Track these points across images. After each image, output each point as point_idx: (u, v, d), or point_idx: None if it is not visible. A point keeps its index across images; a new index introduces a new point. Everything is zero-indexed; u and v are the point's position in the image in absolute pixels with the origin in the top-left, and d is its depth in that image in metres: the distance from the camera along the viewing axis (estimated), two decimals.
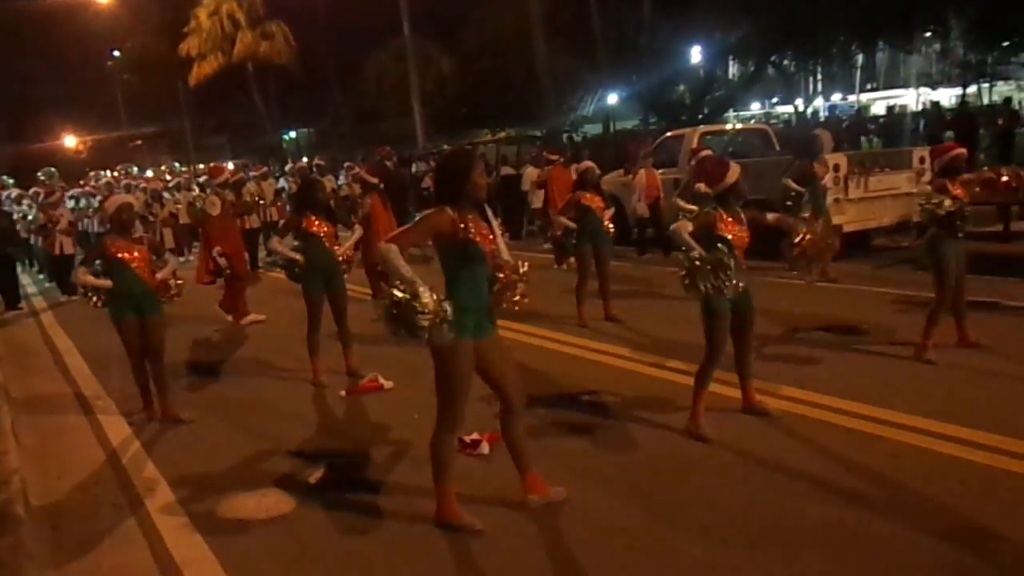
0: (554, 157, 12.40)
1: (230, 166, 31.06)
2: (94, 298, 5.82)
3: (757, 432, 4.81)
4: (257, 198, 13.22)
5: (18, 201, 16.44)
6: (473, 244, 3.69)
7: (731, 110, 32.40)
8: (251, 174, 15.36)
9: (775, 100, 41.78)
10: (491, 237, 3.83)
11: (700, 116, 26.92)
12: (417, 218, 3.78)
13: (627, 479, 4.33)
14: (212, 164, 11.76)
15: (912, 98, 34.52)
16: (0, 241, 12.02)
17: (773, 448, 4.55)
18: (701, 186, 8.54)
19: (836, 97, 40.21)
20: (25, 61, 44.27)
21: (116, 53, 44.58)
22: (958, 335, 6.14)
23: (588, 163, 8.31)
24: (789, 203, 8.70)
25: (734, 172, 4.80)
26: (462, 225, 3.66)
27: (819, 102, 38.77)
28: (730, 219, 4.79)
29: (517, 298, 3.90)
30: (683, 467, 4.43)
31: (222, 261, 9.22)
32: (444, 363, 3.73)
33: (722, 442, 4.67)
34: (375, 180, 9.49)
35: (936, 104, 23.64)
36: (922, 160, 10.44)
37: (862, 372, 5.84)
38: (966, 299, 6.15)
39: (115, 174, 22.86)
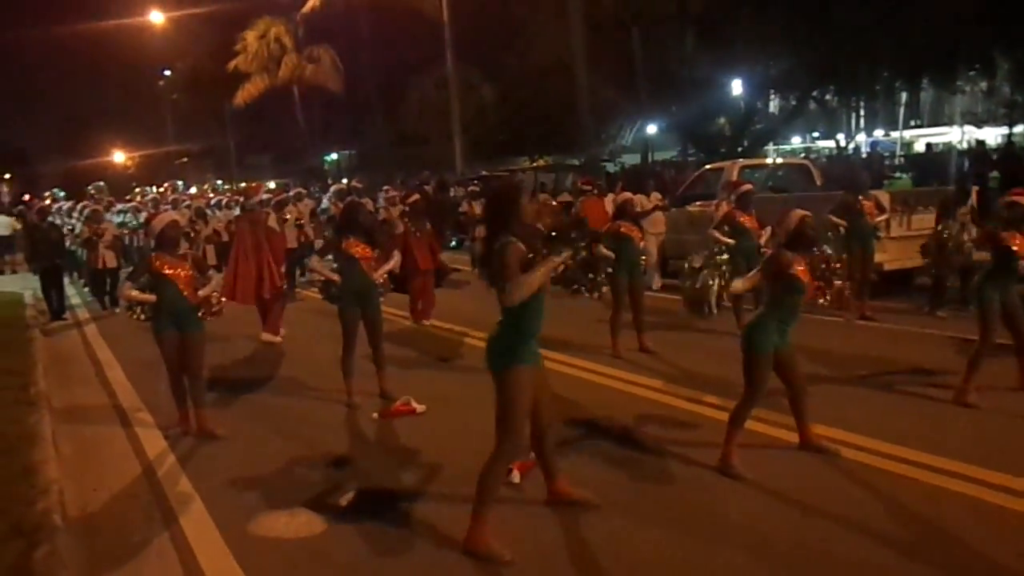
0: (587, 188, 12.45)
1: (271, 185, 31.59)
2: (138, 312, 5.94)
3: (791, 471, 4.73)
4: (296, 219, 13.46)
5: (68, 214, 16.90)
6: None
7: (771, 143, 32.23)
8: (289, 194, 15.63)
9: (816, 134, 41.49)
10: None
11: (740, 149, 26.82)
12: (502, 258, 3.70)
13: (661, 512, 4.28)
14: (248, 184, 12.03)
15: (956, 135, 34.04)
16: (50, 253, 12.33)
17: (808, 488, 4.47)
18: (745, 220, 8.51)
19: (878, 133, 39.81)
20: (79, 79, 45.79)
21: (167, 73, 45.88)
22: (1021, 377, 5.99)
23: (627, 194, 8.34)
24: (831, 234, 8.63)
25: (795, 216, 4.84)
26: (530, 255, 3.73)
27: (861, 137, 38.41)
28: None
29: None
30: (717, 503, 4.37)
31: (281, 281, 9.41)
32: (510, 389, 3.76)
33: (755, 481, 4.60)
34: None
35: (981, 143, 23.25)
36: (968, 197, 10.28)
37: (900, 413, 5.73)
38: None
39: (161, 190, 23.39)
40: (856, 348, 7.69)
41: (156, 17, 36.15)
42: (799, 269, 4.75)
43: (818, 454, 4.93)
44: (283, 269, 9.44)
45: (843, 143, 35.02)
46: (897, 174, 22.73)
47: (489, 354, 3.87)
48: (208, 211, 15.20)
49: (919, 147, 35.27)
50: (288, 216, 12.92)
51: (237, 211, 14.60)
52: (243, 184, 33.84)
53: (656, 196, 11.80)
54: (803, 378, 5.00)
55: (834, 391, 6.29)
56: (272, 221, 9.83)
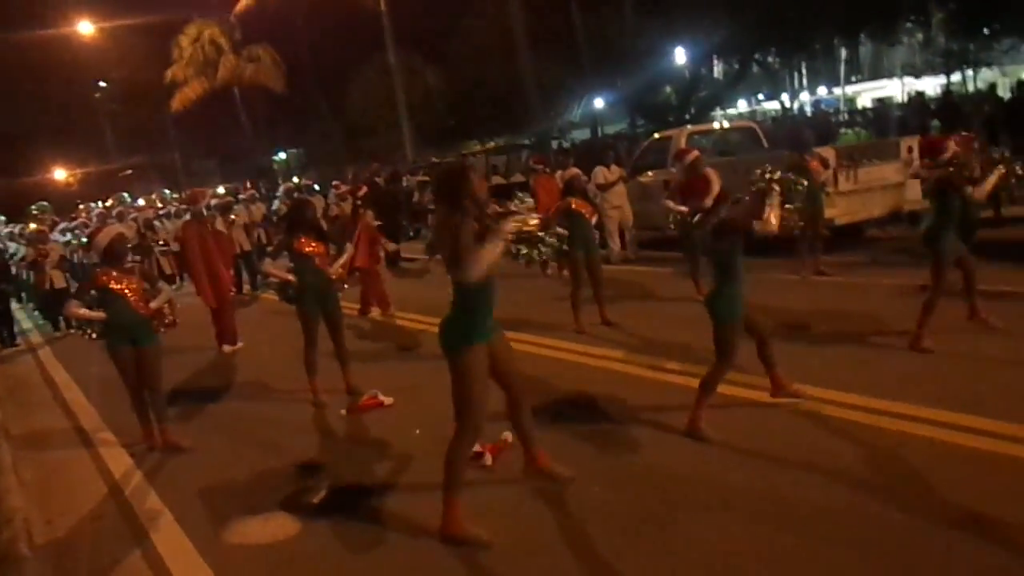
0: (538, 166, 12.46)
1: (221, 190, 31.04)
2: (89, 331, 5.80)
3: (758, 429, 4.80)
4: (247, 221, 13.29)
5: (9, 237, 16.41)
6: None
7: (718, 109, 32.51)
8: (240, 197, 15.41)
9: (761, 97, 41.93)
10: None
11: (687, 116, 27.04)
12: (457, 236, 3.67)
13: (635, 480, 4.33)
14: (190, 191, 11.75)
15: (897, 88, 34.64)
16: None
17: (776, 443, 4.55)
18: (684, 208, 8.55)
19: (821, 91, 40.35)
20: (11, 96, 44.34)
21: (102, 84, 44.68)
22: (969, 310, 6.19)
23: (574, 170, 8.36)
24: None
25: (715, 184, 4.86)
26: (484, 232, 3.73)
27: (804, 96, 38.93)
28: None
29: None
30: (689, 465, 4.42)
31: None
32: (463, 368, 3.77)
33: (724, 441, 4.66)
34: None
35: (920, 94, 23.69)
36: (910, 150, 10.48)
37: (860, 364, 5.84)
38: (976, 277, 6.14)
39: (107, 204, 22.82)
40: (813, 303, 7.81)
41: (85, 27, 35.09)
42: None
43: (788, 403, 5.03)
44: (231, 272, 9.26)
45: (787, 103, 35.46)
46: (843, 130, 23.08)
47: (442, 336, 3.87)
48: (157, 222, 14.90)
49: (863, 102, 35.88)
50: (234, 218, 12.73)
51: (187, 218, 14.36)
52: (193, 190, 33.21)
53: (616, 168, 11.82)
54: (767, 328, 5.08)
55: (795, 347, 6.37)
56: (219, 224, 9.63)
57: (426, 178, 16.07)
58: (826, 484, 4.01)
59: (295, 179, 31.87)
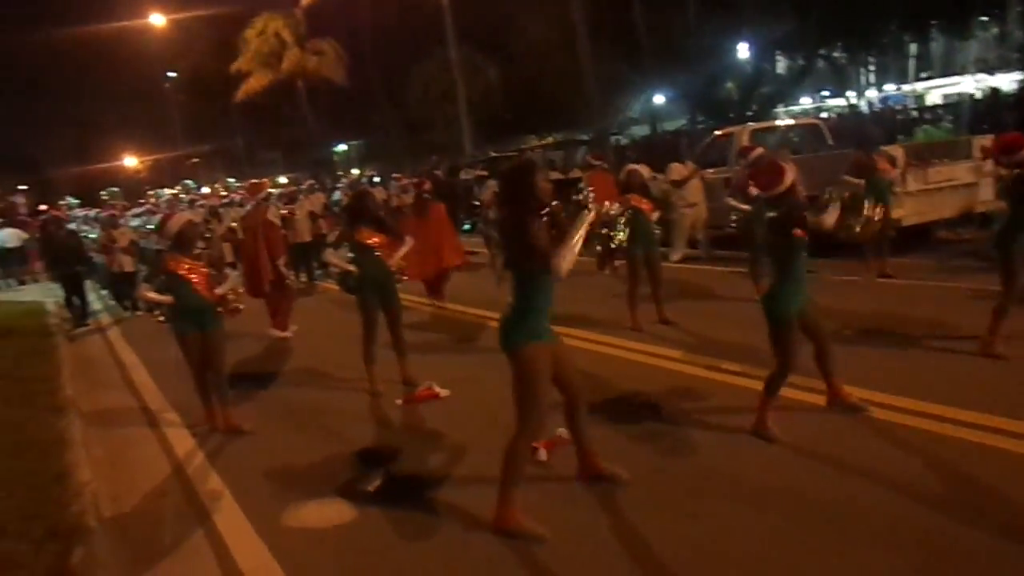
0: (596, 162, 12.37)
1: (283, 180, 31.52)
2: (157, 313, 5.98)
3: (822, 433, 4.70)
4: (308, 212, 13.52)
5: (84, 221, 17.05)
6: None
7: (781, 105, 31.87)
8: (300, 187, 15.69)
9: (826, 93, 40.96)
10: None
11: (749, 113, 26.56)
12: (535, 235, 3.70)
13: (693, 482, 4.27)
14: (251, 181, 11.98)
15: (970, 85, 33.48)
16: (69, 260, 12.44)
17: (840, 448, 4.45)
18: (753, 189, 8.41)
19: (889, 87, 39.22)
20: (86, 86, 46.02)
21: (171, 74, 45.97)
22: None
23: (632, 166, 8.27)
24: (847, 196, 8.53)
25: (789, 175, 4.69)
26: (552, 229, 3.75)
27: (872, 93, 37.88)
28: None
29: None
30: (748, 468, 4.35)
31: (284, 271, 9.40)
32: (526, 366, 3.77)
33: (788, 443, 4.58)
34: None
35: (995, 91, 22.86)
36: (983, 149, 10.13)
37: (927, 369, 5.68)
38: None
39: (175, 191, 23.55)
40: (878, 306, 7.61)
41: (157, 19, 36.17)
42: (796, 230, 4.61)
43: (847, 414, 4.90)
44: (282, 262, 9.37)
45: (854, 100, 34.57)
46: (924, 127, 22.42)
47: (503, 334, 3.87)
48: (221, 210, 15.26)
49: (933, 99, 34.75)
50: (296, 211, 12.92)
51: (248, 207, 14.68)
52: (252, 181, 34.01)
53: (691, 164, 11.64)
54: (827, 335, 4.96)
55: (858, 350, 6.22)
56: (271, 214, 9.77)
57: (485, 172, 16.12)
58: (891, 494, 3.90)
59: (355, 171, 32.35)
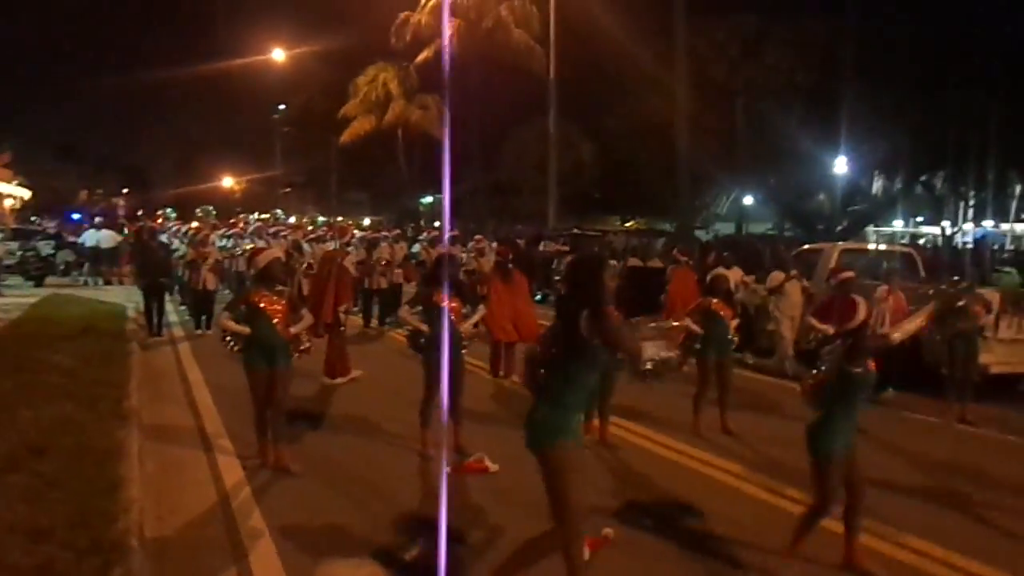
0: (683, 258, 12.25)
1: (366, 221, 32.20)
2: (232, 342, 6.12)
3: None
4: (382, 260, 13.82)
5: (175, 234, 17.76)
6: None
7: (872, 225, 31.35)
8: (383, 234, 16.06)
9: (920, 219, 40.13)
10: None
11: (839, 228, 26.17)
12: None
13: None
14: (338, 224, 12.32)
15: None
16: (156, 271, 12.92)
17: None
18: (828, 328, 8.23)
19: (988, 223, 38.18)
20: (202, 109, 48.69)
21: (281, 107, 48.18)
22: None
23: (721, 270, 8.19)
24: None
25: (862, 311, 4.51)
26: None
27: (968, 227, 36.94)
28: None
29: None
30: None
31: (343, 318, 9.51)
32: (562, 466, 3.61)
33: None
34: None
35: None
36: None
37: (992, 529, 5.35)
38: None
39: (265, 217, 24.39)
40: (952, 454, 7.25)
41: (278, 55, 38.15)
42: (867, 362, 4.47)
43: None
44: (344, 308, 9.46)
45: (949, 230, 33.74)
46: (1006, 268, 21.68)
47: (532, 431, 3.69)
48: (306, 244, 15.70)
49: None
50: (357, 259, 13.06)
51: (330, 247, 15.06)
52: (339, 219, 35.04)
53: (795, 273, 11.35)
54: (865, 489, 4.64)
55: (922, 499, 5.93)
56: (348, 261, 9.93)
57: (566, 247, 16.21)
58: None
59: (436, 224, 32.96)
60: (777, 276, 11.28)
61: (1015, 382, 10.16)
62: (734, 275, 11.22)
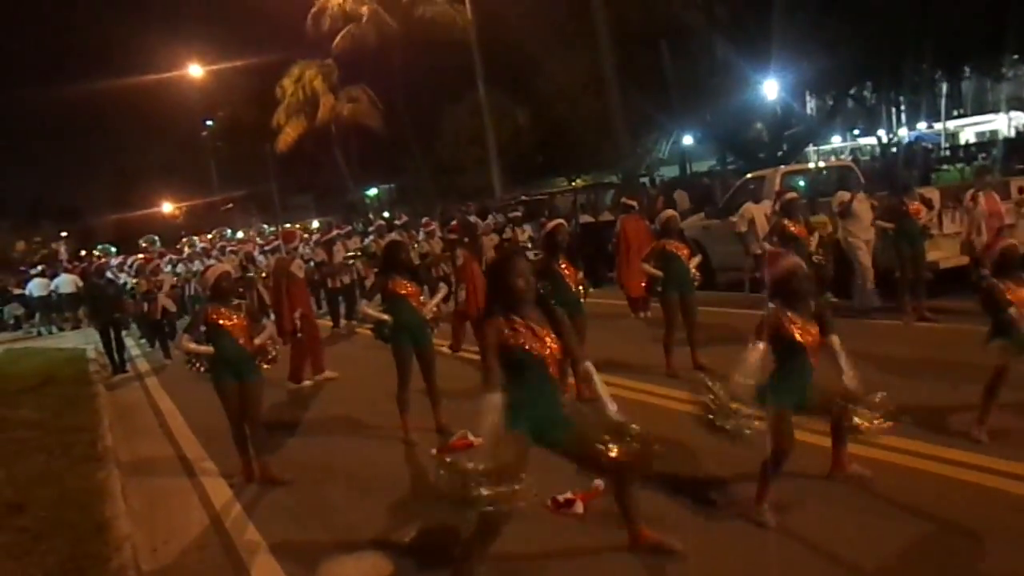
0: (631, 204, 12.23)
1: (315, 224, 31.85)
2: (196, 364, 6.05)
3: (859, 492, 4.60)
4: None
5: (120, 268, 17.38)
6: (521, 350, 3.73)
7: (811, 145, 31.80)
8: (335, 232, 15.89)
9: (856, 132, 40.85)
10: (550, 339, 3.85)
11: (779, 153, 26.51)
12: (484, 346, 3.88)
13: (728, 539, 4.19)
14: (284, 229, 12.21)
15: (1003, 123, 33.22)
16: (109, 309, 12.66)
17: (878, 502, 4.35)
18: (793, 228, 8.41)
19: (921, 126, 39.01)
20: (125, 135, 47.53)
21: (209, 123, 47.20)
22: None
23: (671, 211, 8.26)
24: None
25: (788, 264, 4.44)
26: (509, 331, 3.74)
27: (903, 132, 37.71)
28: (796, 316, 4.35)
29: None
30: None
31: (299, 323, 9.43)
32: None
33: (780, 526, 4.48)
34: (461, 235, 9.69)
35: None
36: (1020, 190, 10.02)
37: (968, 415, 5.54)
38: None
39: (210, 237, 23.95)
40: (916, 351, 7.48)
41: (195, 71, 37.32)
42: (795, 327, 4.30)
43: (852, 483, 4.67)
44: (298, 314, 9.38)
45: (885, 139, 34.40)
46: (944, 166, 22.24)
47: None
48: (259, 256, 15.49)
49: (966, 137, 34.51)
50: (302, 263, 12.91)
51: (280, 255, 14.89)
52: (286, 225, 34.57)
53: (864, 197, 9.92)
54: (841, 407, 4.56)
55: (895, 397, 6.10)
56: (295, 267, 9.87)
57: (517, 213, 16.11)
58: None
59: (385, 214, 32.76)
60: (843, 195, 9.78)
61: (967, 274, 10.46)
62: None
